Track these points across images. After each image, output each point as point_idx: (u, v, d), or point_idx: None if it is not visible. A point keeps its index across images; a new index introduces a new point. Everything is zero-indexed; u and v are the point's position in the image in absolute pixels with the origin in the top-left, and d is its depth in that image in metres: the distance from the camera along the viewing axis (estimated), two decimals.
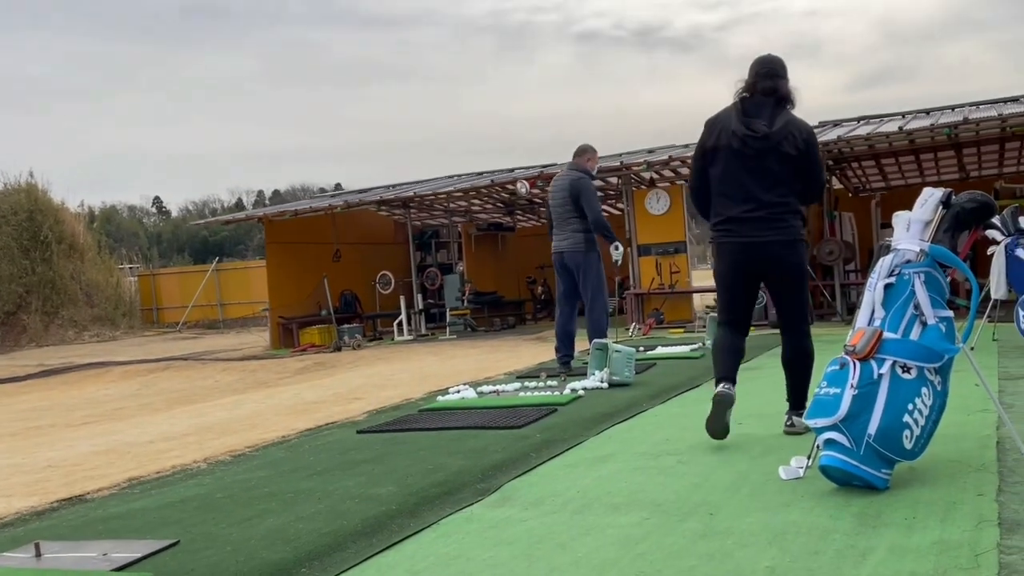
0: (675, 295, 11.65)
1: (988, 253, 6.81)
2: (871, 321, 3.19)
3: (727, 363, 4.07)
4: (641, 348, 8.32)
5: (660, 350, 8.06)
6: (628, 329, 11.07)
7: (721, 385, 3.98)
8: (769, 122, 3.77)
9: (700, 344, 8.28)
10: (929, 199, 3.36)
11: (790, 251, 3.89)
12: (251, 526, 3.07)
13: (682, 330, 10.81)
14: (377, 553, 2.77)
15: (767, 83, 3.82)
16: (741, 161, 3.80)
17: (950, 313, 3.19)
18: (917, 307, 3.16)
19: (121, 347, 19.70)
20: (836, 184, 14.86)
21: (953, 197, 3.38)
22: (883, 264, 3.25)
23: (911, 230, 3.33)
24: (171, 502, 3.56)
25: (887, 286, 3.21)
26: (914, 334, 3.12)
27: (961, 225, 3.33)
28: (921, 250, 3.24)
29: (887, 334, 3.09)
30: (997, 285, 6.52)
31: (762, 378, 6.18)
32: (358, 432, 4.91)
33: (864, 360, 3.03)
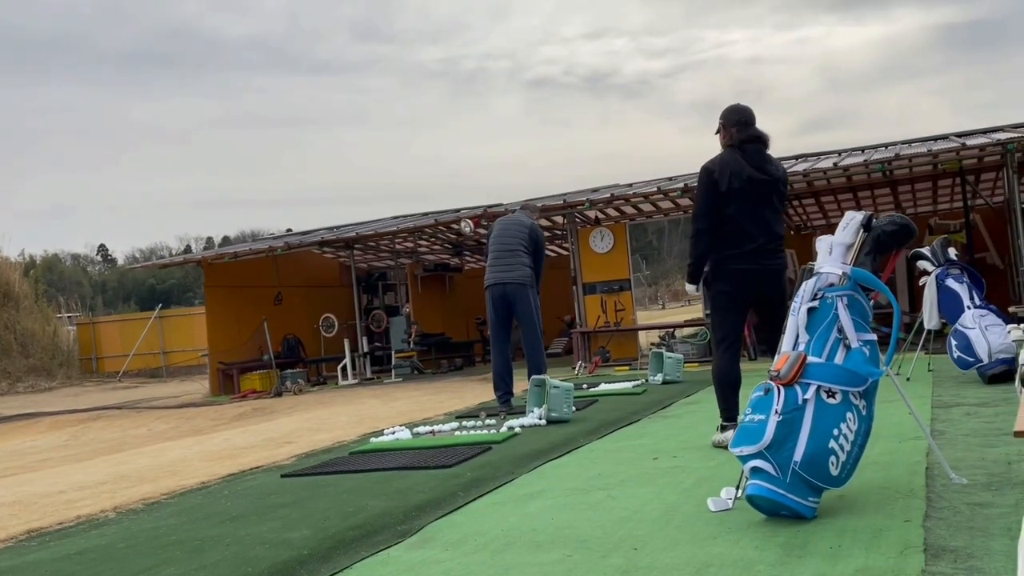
0: (621, 333, 11.62)
1: (919, 284, 6.90)
2: (795, 346, 3.13)
3: (734, 400, 4.43)
4: (584, 385, 8.24)
5: (603, 387, 7.97)
6: (574, 367, 10.99)
7: (732, 426, 4.13)
8: (774, 167, 4.33)
9: (643, 380, 8.22)
10: (850, 222, 3.34)
11: (785, 277, 4.44)
12: None
13: (628, 367, 10.76)
14: None
15: (754, 131, 4.30)
16: (757, 201, 4.22)
17: (873, 336, 3.15)
18: (841, 330, 3.11)
19: (55, 398, 18.98)
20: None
21: (874, 220, 3.38)
22: (806, 288, 3.22)
23: (833, 253, 3.30)
24: (69, 554, 3.32)
25: (810, 310, 3.16)
26: (838, 358, 3.07)
27: (882, 247, 3.33)
28: (843, 273, 3.21)
29: (811, 358, 3.04)
30: (929, 316, 6.59)
31: (702, 412, 6.12)
32: (282, 476, 4.70)
33: (788, 385, 2.97)
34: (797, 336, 3.15)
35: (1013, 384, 5.38)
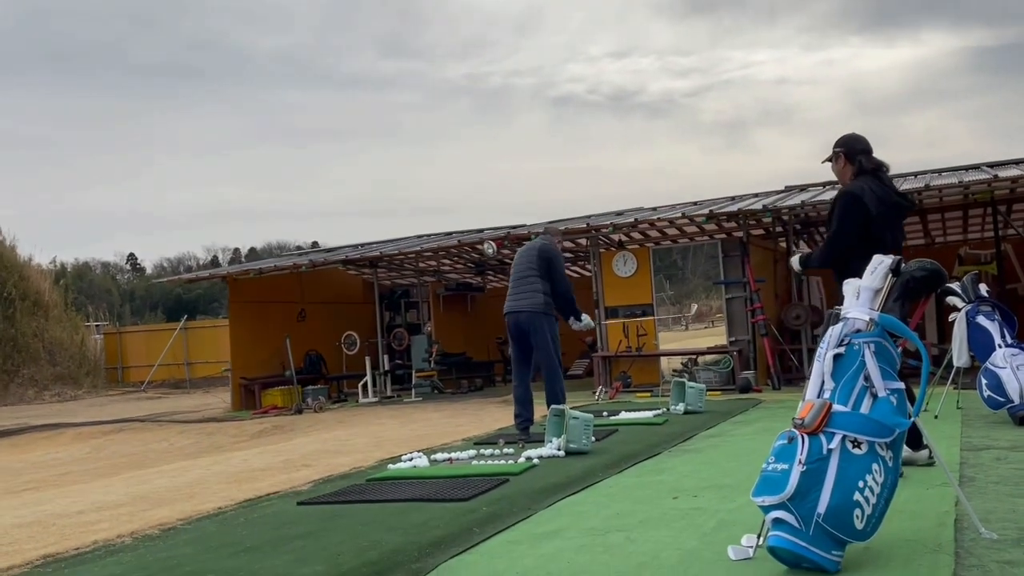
0: (642, 358, 11.53)
1: (949, 320, 6.77)
2: (820, 393, 3.07)
3: None
4: (605, 413, 8.17)
5: (623, 415, 7.89)
6: (595, 392, 10.91)
7: None
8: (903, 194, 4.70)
9: (665, 409, 8.14)
10: (879, 267, 3.28)
11: None
12: None
13: (649, 394, 10.66)
14: None
15: (877, 160, 4.55)
16: (894, 223, 4.52)
17: (901, 385, 3.08)
18: (867, 379, 3.04)
19: (81, 407, 19.18)
20: (804, 248, 14.99)
21: (903, 265, 3.31)
22: (832, 333, 3.15)
23: (860, 298, 3.24)
24: None
25: (836, 356, 3.10)
26: (864, 407, 3.00)
27: (911, 294, 3.26)
28: (871, 319, 3.15)
29: (837, 407, 2.97)
30: (959, 353, 6.46)
31: (723, 445, 6.04)
32: (298, 503, 4.68)
33: (813, 434, 2.90)
34: (822, 383, 3.09)
35: None
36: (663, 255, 12.49)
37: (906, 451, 4.38)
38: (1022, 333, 6.61)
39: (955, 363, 6.52)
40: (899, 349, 3.22)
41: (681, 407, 7.96)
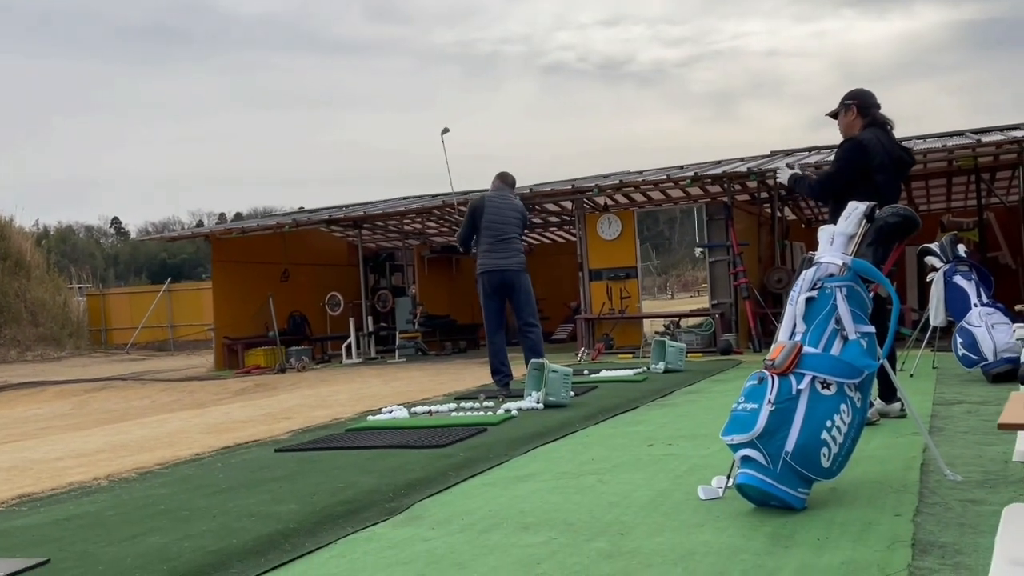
0: (625, 320, 11.58)
1: (927, 280, 6.83)
2: (792, 335, 3.09)
3: None
4: (586, 372, 8.21)
5: (604, 373, 7.95)
6: (577, 354, 10.96)
7: None
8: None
9: (645, 369, 8.19)
10: (853, 213, 3.29)
11: None
12: (133, 544, 2.85)
13: (631, 356, 10.72)
14: (263, 573, 2.58)
15: (885, 116, 4.60)
16: (896, 177, 4.60)
17: (871, 328, 3.11)
18: (838, 322, 3.07)
19: (63, 367, 19.11)
20: (789, 215, 15.02)
21: (877, 211, 3.33)
22: (805, 277, 3.17)
23: (835, 243, 3.26)
24: (57, 519, 3.32)
25: (808, 300, 3.12)
26: (835, 349, 3.03)
27: (885, 239, 3.27)
28: (844, 264, 3.17)
29: (807, 348, 3.00)
30: (936, 312, 6.52)
31: (701, 401, 6.10)
32: (276, 450, 4.70)
33: (783, 375, 2.93)
34: (794, 326, 3.11)
35: (1017, 384, 5.33)
36: (651, 224, 12.61)
37: (879, 403, 4.46)
38: (999, 294, 6.68)
39: (932, 322, 6.59)
40: (871, 294, 3.25)
41: (661, 366, 8.01)
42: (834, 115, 4.69)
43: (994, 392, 5.48)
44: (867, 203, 3.28)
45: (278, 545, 2.83)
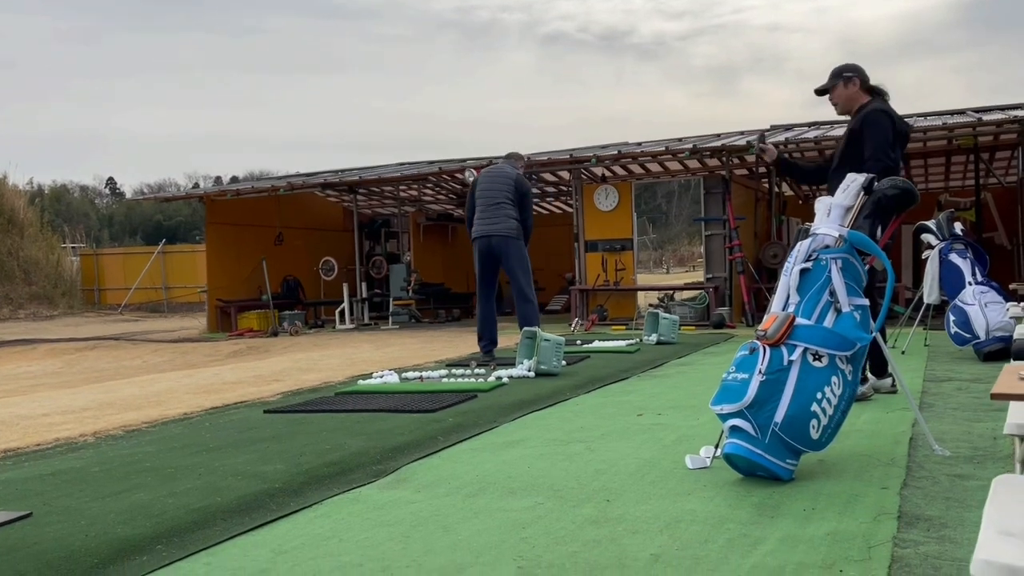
0: (619, 292, 11.56)
1: (923, 257, 6.81)
2: (785, 306, 3.07)
3: None
4: (579, 342, 8.21)
5: (596, 344, 7.94)
6: (570, 324, 10.95)
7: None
8: None
9: (637, 340, 8.18)
10: (851, 184, 3.26)
11: None
12: (116, 500, 2.84)
13: (624, 327, 10.72)
14: (246, 531, 2.57)
15: (879, 85, 4.54)
16: (903, 148, 4.53)
17: (865, 301, 3.08)
18: (832, 294, 3.04)
19: (55, 326, 19.05)
20: (787, 190, 14.96)
21: (875, 183, 3.29)
22: (800, 248, 3.14)
23: (831, 215, 3.22)
24: (42, 474, 3.31)
25: (803, 271, 3.09)
26: (828, 321, 3.01)
27: (882, 212, 3.24)
28: (839, 235, 3.14)
29: (800, 320, 2.98)
30: (930, 289, 6.51)
31: (692, 372, 6.10)
32: (265, 412, 4.69)
33: (775, 346, 2.91)
34: (788, 297, 3.09)
35: (1009, 362, 5.32)
36: (648, 198, 12.57)
37: (872, 379, 4.45)
38: (994, 274, 6.66)
39: (926, 299, 6.58)
40: (866, 267, 3.22)
41: (654, 337, 8.01)
42: (822, 91, 4.54)
43: (985, 370, 5.49)
44: (866, 175, 3.25)
45: (263, 504, 2.82)
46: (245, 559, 2.33)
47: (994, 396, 1.71)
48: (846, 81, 4.47)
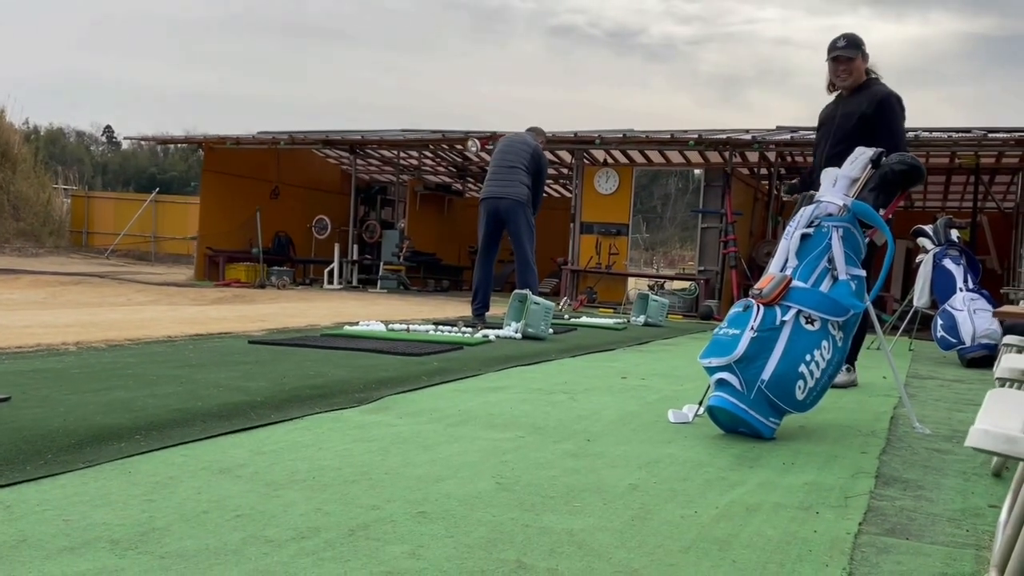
0: (610, 276, 11.57)
1: (916, 261, 6.84)
2: (783, 269, 3.07)
3: None
4: (567, 316, 8.20)
5: (584, 319, 7.94)
6: (559, 303, 10.94)
7: None
8: None
9: (625, 320, 8.19)
10: (860, 156, 3.26)
11: None
12: (96, 395, 2.82)
13: (612, 311, 10.73)
14: (226, 433, 2.56)
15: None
16: None
17: (862, 272, 3.09)
18: (831, 261, 3.05)
19: (41, 263, 18.89)
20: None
21: (883, 158, 3.29)
22: (803, 214, 3.14)
23: (837, 185, 3.22)
24: (21, 370, 3.28)
25: (804, 236, 3.09)
26: (824, 287, 3.02)
27: (887, 186, 3.24)
28: (844, 205, 3.14)
29: (796, 283, 2.98)
30: (920, 293, 6.54)
31: (677, 350, 6.11)
32: (249, 342, 4.67)
33: (769, 305, 2.91)
34: (786, 260, 3.09)
35: (991, 369, 5.36)
36: (645, 198, 12.46)
37: (856, 372, 4.40)
38: (987, 283, 6.70)
39: (915, 302, 6.61)
40: (867, 240, 3.23)
41: (642, 319, 8.02)
42: (846, 59, 4.18)
43: (968, 374, 5.52)
44: (875, 148, 3.25)
45: (244, 413, 2.81)
46: (223, 455, 2.32)
47: (995, 314, 1.70)
48: (864, 56, 4.23)
